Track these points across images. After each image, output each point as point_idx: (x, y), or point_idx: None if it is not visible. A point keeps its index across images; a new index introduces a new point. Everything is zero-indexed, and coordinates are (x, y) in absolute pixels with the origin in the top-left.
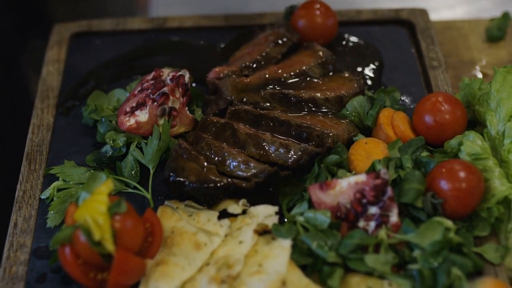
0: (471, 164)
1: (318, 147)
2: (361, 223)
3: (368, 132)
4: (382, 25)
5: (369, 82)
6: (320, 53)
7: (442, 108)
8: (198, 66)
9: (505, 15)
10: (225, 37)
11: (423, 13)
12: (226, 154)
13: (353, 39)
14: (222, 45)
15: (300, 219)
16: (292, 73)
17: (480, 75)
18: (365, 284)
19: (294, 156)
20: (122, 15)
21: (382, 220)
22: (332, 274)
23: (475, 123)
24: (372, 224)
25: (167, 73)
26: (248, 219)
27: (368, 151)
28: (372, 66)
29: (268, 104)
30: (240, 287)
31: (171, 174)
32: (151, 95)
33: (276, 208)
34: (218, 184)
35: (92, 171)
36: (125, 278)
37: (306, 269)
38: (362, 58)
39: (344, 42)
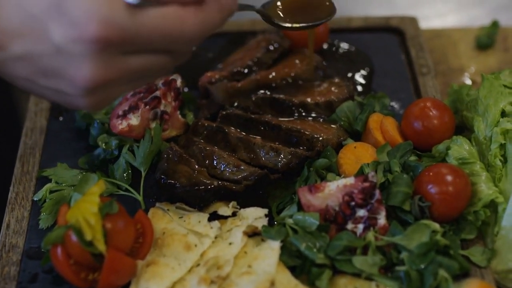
0: (458, 168)
1: (308, 151)
2: (350, 226)
3: (357, 136)
4: (372, 32)
5: (359, 88)
6: (311, 59)
7: (431, 113)
8: (190, 71)
9: (494, 24)
10: (217, 42)
11: (413, 21)
12: (217, 157)
13: (344, 45)
14: (214, 51)
15: (289, 221)
16: (283, 79)
17: (469, 82)
18: (352, 286)
19: (284, 160)
20: None
21: (370, 223)
22: (320, 275)
23: (463, 129)
24: (360, 227)
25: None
26: (238, 221)
27: (357, 155)
28: (362, 72)
29: (259, 109)
30: (230, 287)
31: (162, 176)
32: (143, 99)
33: (265, 211)
34: (209, 187)
35: (84, 173)
36: (116, 278)
37: (295, 270)
38: (353, 64)
39: (334, 49)
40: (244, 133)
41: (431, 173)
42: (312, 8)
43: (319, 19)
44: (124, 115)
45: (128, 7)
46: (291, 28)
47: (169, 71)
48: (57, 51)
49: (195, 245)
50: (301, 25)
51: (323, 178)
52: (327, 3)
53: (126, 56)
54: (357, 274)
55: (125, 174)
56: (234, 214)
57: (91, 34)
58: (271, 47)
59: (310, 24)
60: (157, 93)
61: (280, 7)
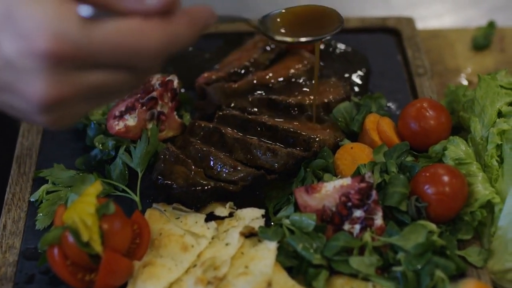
0: (455, 168)
1: (304, 152)
2: (346, 226)
3: (354, 137)
4: (369, 33)
5: (356, 88)
6: (308, 59)
7: (427, 114)
8: (187, 71)
9: (491, 24)
10: (214, 43)
11: (409, 21)
12: (213, 158)
13: (341, 46)
14: (211, 51)
15: (286, 221)
16: (279, 79)
17: (465, 83)
18: (349, 286)
19: (280, 160)
20: None
21: (367, 223)
22: (317, 276)
23: (460, 129)
24: (357, 227)
25: (156, 78)
26: (235, 222)
27: (353, 155)
28: (359, 72)
29: (255, 109)
30: None
31: (159, 177)
32: (140, 100)
33: (262, 211)
34: (206, 187)
35: (81, 174)
36: (112, 279)
37: (292, 271)
38: (350, 64)
39: (331, 49)
40: (240, 134)
41: (427, 174)
42: (317, 20)
43: (324, 32)
44: (121, 116)
45: (82, 20)
46: (292, 43)
47: (135, 88)
48: (7, 64)
49: (192, 246)
50: (303, 39)
51: (319, 179)
52: (334, 15)
53: (81, 71)
54: (354, 275)
55: (121, 175)
56: (231, 215)
57: (42, 48)
58: (268, 48)
59: (312, 39)
60: (154, 93)
61: (280, 20)
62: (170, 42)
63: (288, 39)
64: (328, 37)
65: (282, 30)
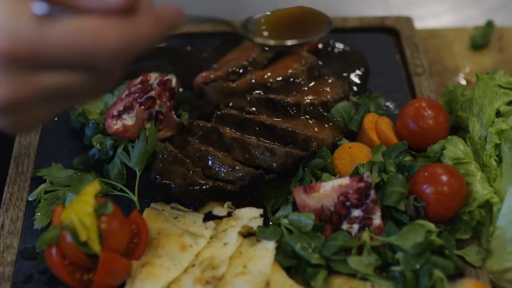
0: (453, 168)
1: (303, 151)
2: (345, 226)
3: (352, 136)
4: (367, 32)
5: (355, 88)
6: (306, 59)
7: (426, 113)
8: (185, 71)
9: (489, 24)
10: (212, 42)
11: (408, 21)
12: (212, 157)
13: (339, 45)
14: (209, 51)
15: (285, 221)
16: (278, 79)
17: (464, 82)
18: (348, 286)
19: (279, 160)
20: None
21: (365, 223)
22: (315, 275)
23: (458, 129)
24: (356, 227)
25: (154, 78)
26: (233, 222)
27: (352, 155)
28: (358, 72)
29: (254, 109)
30: (225, 287)
31: (157, 176)
32: (138, 99)
33: (260, 211)
34: (204, 187)
35: (79, 173)
36: (111, 279)
37: (290, 271)
38: (348, 64)
39: (330, 49)
40: (239, 133)
41: (426, 173)
42: (304, 23)
43: (310, 35)
44: (119, 115)
45: (37, 18)
46: (274, 46)
47: (102, 91)
48: None
49: (190, 246)
50: (287, 43)
51: (318, 178)
52: (322, 17)
53: (37, 72)
54: (352, 274)
55: (120, 174)
56: (229, 214)
57: None
58: (266, 47)
59: (296, 42)
60: (152, 93)
61: (264, 22)
62: (131, 42)
63: (271, 42)
64: (313, 41)
65: (265, 33)
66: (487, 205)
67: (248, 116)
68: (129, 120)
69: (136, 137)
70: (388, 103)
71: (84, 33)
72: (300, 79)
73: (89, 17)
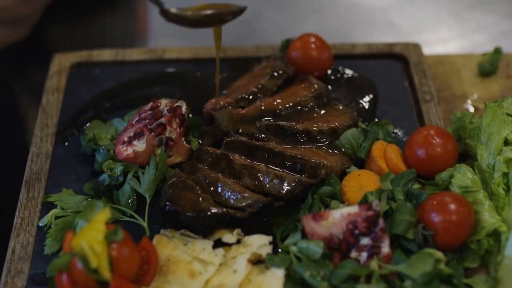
0: (461, 197)
1: (311, 179)
2: (353, 254)
3: (361, 164)
4: (376, 59)
5: (363, 114)
6: (315, 85)
7: (434, 141)
8: (195, 97)
9: (497, 50)
10: (221, 68)
11: (416, 47)
12: (221, 184)
13: (348, 72)
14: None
15: (294, 249)
16: (287, 105)
17: (472, 109)
18: None
19: (288, 187)
20: (121, 44)
21: (374, 251)
22: None
23: (466, 156)
24: (364, 255)
25: (164, 104)
26: (242, 249)
27: (360, 182)
28: (366, 98)
29: (263, 136)
30: None
31: (167, 203)
32: (148, 125)
33: (270, 238)
34: (213, 214)
35: (89, 199)
36: None
37: None
38: (357, 90)
39: (339, 75)
40: (248, 160)
41: (434, 202)
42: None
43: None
44: (130, 142)
45: None
46: (191, 17)
47: (17, 36)
48: None
49: (200, 273)
50: (203, 13)
51: (327, 206)
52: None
53: None
54: None
55: (130, 200)
56: (238, 241)
57: None
58: (276, 74)
59: (212, 12)
60: (163, 119)
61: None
62: None
63: (188, 13)
64: (230, 18)
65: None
66: (495, 234)
67: (257, 143)
68: (139, 146)
69: (146, 163)
70: (396, 130)
71: None
72: (309, 106)
73: None
